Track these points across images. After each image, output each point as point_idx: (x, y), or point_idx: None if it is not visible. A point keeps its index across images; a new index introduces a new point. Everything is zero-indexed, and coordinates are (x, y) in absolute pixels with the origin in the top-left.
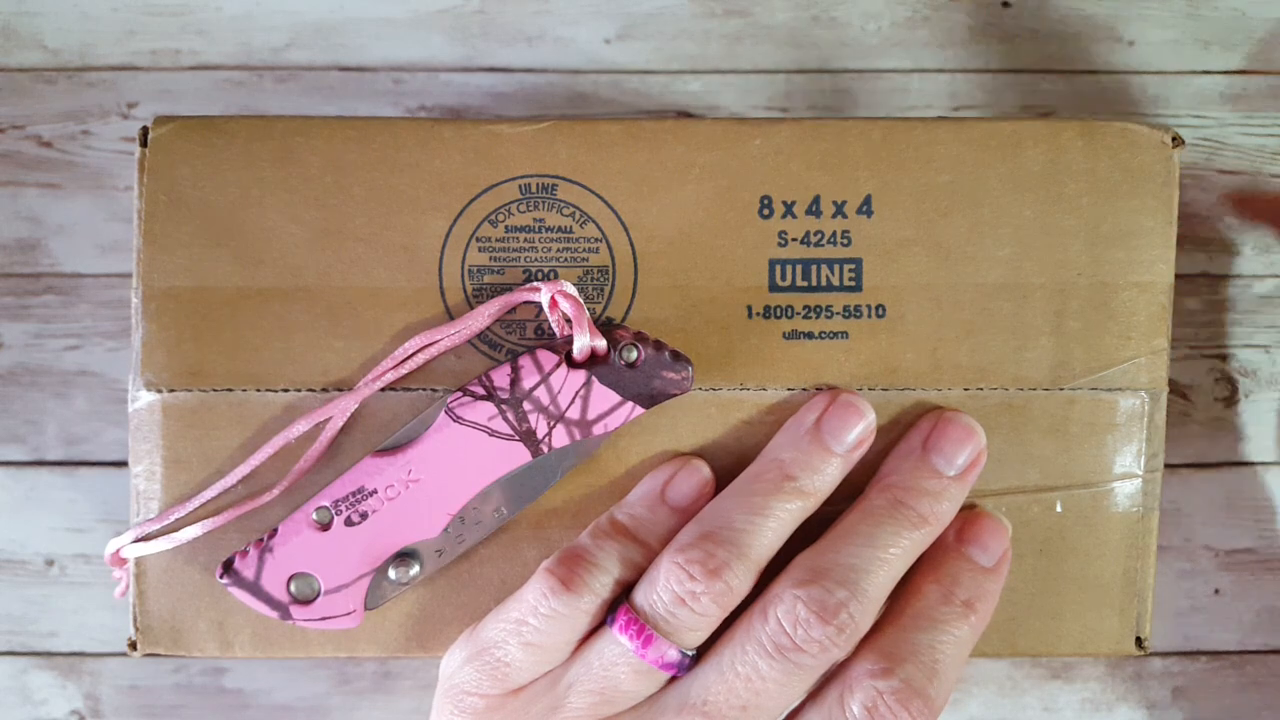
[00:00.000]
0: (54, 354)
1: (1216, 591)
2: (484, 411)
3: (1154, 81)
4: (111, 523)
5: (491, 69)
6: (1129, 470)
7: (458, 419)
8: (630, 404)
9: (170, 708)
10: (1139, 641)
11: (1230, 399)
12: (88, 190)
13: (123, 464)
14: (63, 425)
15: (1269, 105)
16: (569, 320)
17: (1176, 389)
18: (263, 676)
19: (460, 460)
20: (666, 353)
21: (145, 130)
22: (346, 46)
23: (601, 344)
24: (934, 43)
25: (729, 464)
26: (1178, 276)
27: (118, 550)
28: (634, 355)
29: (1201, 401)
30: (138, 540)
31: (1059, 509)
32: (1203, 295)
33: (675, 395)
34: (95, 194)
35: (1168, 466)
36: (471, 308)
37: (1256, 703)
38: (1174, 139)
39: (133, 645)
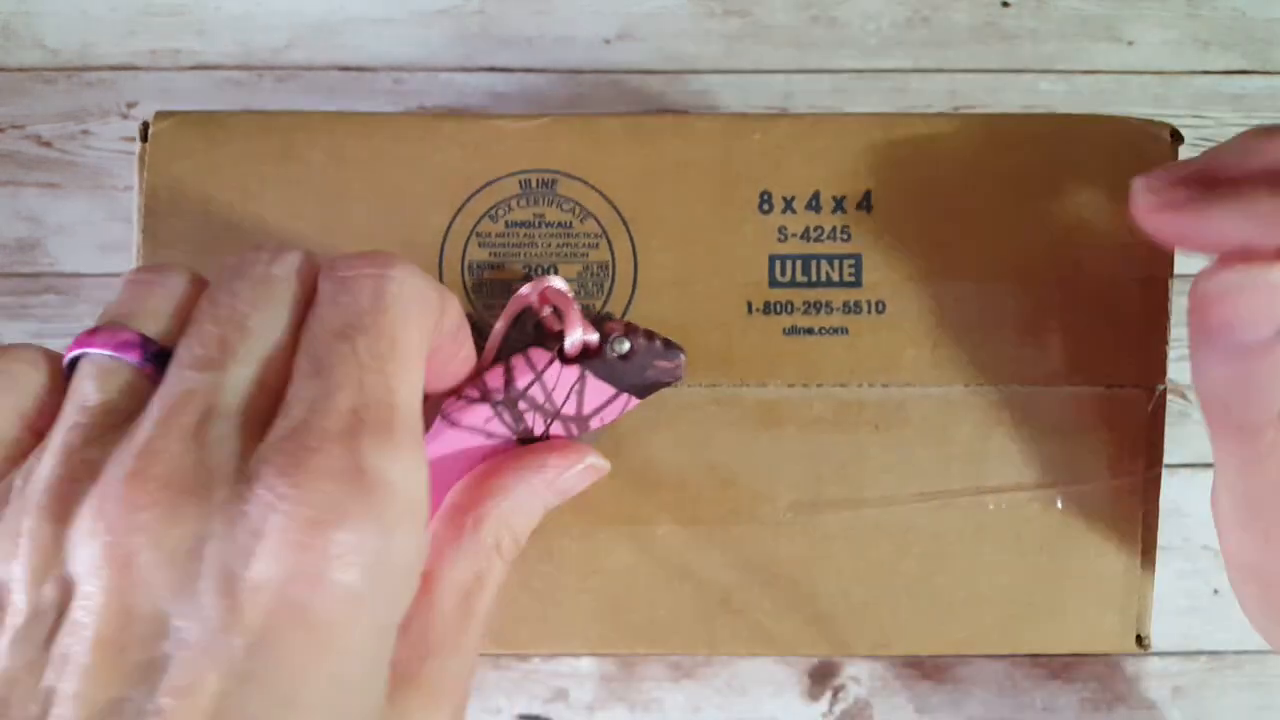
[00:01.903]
0: None
1: (1216, 591)
2: (480, 415)
3: (1154, 81)
4: None
5: (491, 69)
6: (1129, 467)
7: (454, 424)
8: (625, 395)
9: None
10: (1139, 639)
11: None
12: (87, 190)
13: None
14: None
15: (1269, 105)
16: (560, 316)
17: (1176, 389)
18: None
19: (459, 465)
20: (658, 342)
21: (146, 125)
22: (346, 46)
23: (593, 338)
24: (934, 43)
25: (727, 459)
26: (1177, 276)
27: None
28: (625, 347)
29: None
30: None
31: (1059, 506)
32: None
33: (669, 384)
34: (95, 194)
35: (1167, 466)
36: (472, 303)
37: (1256, 703)
38: (1172, 134)
39: None
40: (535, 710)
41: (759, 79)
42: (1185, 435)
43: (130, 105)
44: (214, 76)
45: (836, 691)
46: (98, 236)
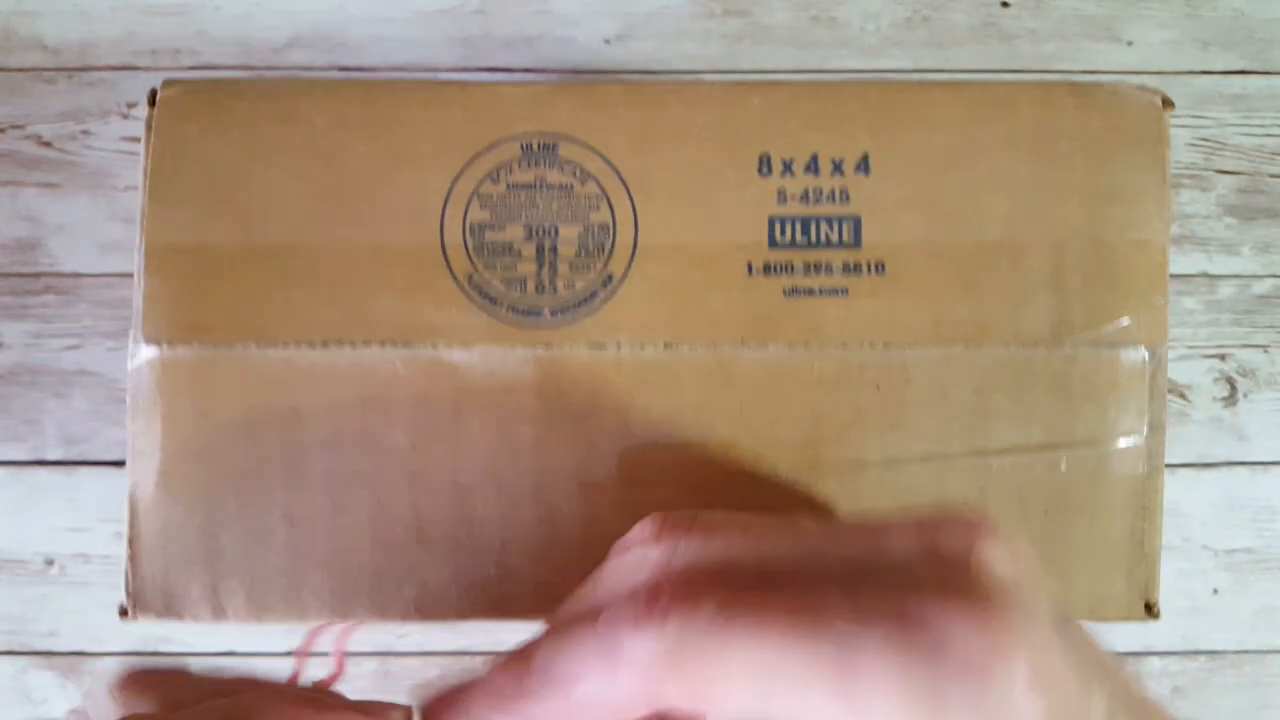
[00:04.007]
0: (54, 354)
1: (1216, 591)
2: None
3: (1154, 81)
4: (111, 522)
5: (491, 69)
6: (1132, 428)
7: None
8: None
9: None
10: (1148, 607)
11: (1229, 399)
12: (87, 190)
13: (122, 464)
14: (62, 425)
15: (1269, 105)
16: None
17: (1176, 389)
18: (262, 675)
19: None
20: None
21: (154, 91)
22: (346, 46)
23: None
24: (934, 43)
25: (730, 420)
26: (1177, 276)
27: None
28: None
29: (1201, 401)
30: None
31: (1063, 468)
32: (1202, 295)
33: None
34: (95, 194)
35: (1168, 466)
36: (473, 264)
37: (1256, 703)
38: (1163, 100)
39: (124, 612)
40: None
41: (759, 79)
42: (1185, 435)
43: (130, 105)
44: (214, 76)
45: None
46: (98, 236)
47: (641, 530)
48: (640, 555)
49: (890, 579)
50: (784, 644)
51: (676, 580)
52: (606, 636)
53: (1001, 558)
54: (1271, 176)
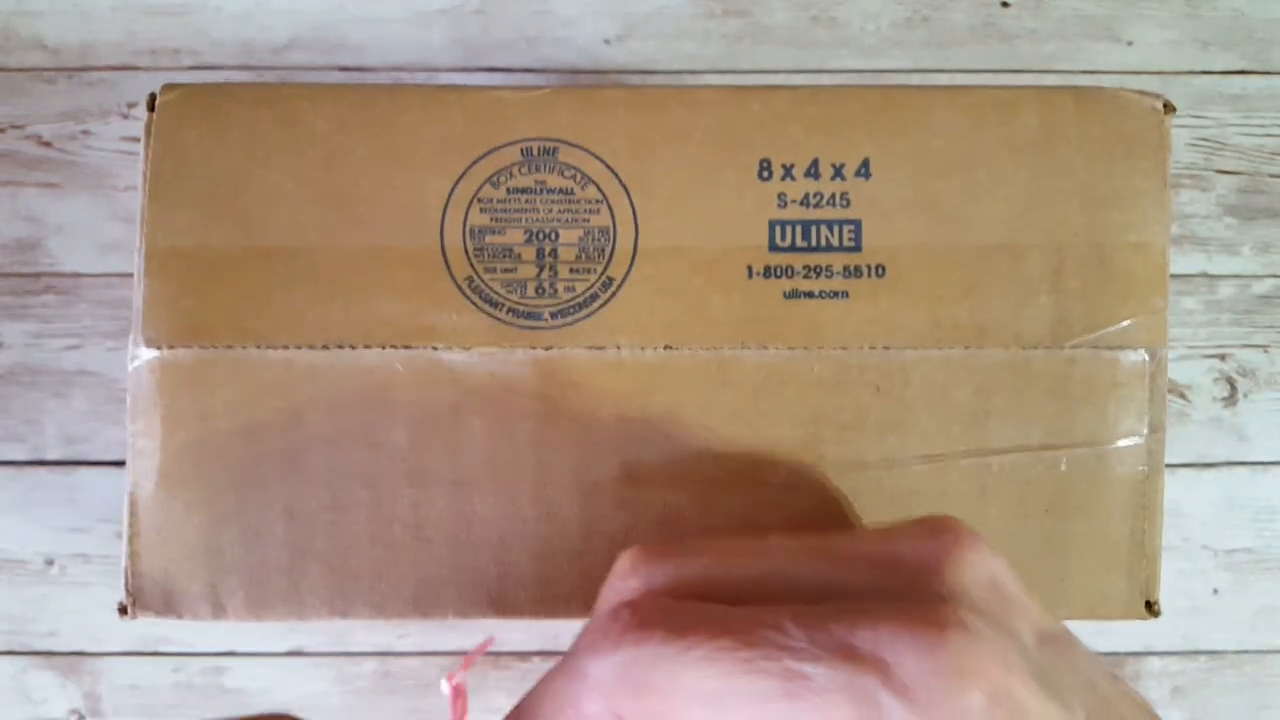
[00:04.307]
0: (54, 354)
1: (1216, 591)
2: None
3: (1154, 81)
4: (111, 522)
5: (491, 69)
6: (1132, 429)
7: None
8: None
9: (170, 707)
10: (1149, 605)
11: (1229, 399)
12: (87, 190)
13: (122, 464)
14: (62, 425)
15: (1268, 105)
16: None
17: (1176, 389)
18: (262, 675)
19: None
20: None
21: (153, 96)
22: (346, 46)
23: None
24: (934, 43)
25: (730, 421)
26: (1177, 276)
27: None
28: None
29: (1201, 401)
30: None
31: (1063, 468)
32: (1202, 295)
33: None
34: (95, 194)
35: (1168, 466)
36: (473, 267)
37: (1256, 703)
38: (1165, 105)
39: (123, 610)
40: None
41: (759, 79)
42: (1185, 435)
43: (130, 105)
44: (214, 77)
45: None
46: (98, 236)
47: (620, 563)
48: (620, 587)
49: (849, 604)
50: (734, 672)
51: (636, 604)
52: (571, 663)
53: (972, 570)
54: (1271, 176)
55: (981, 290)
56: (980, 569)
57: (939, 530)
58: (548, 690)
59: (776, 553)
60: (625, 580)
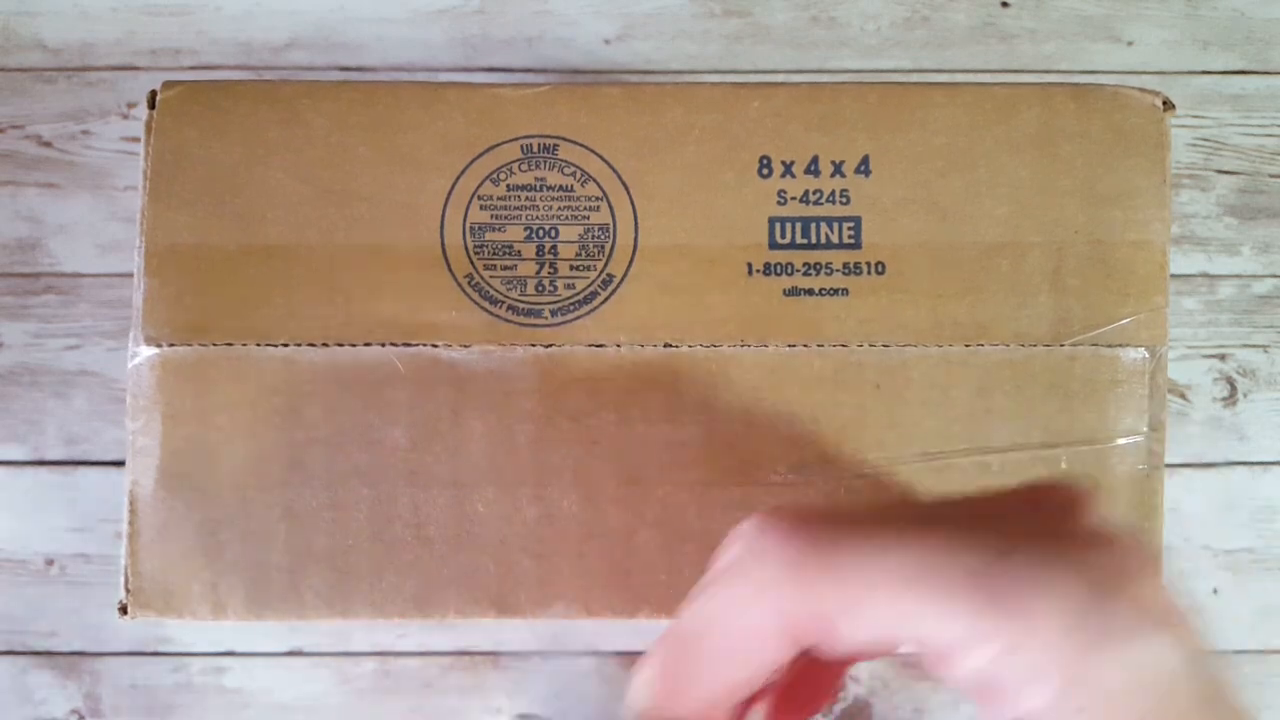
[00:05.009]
0: (54, 354)
1: (1216, 591)
2: None
3: (1153, 81)
4: (111, 522)
5: (491, 69)
6: (1132, 427)
7: None
8: None
9: (170, 707)
10: None
11: (1229, 399)
12: (88, 190)
13: (123, 464)
14: (63, 425)
15: (1268, 105)
16: None
17: (1176, 389)
18: (262, 675)
19: None
20: None
21: (154, 93)
22: (346, 46)
23: None
24: (933, 43)
25: (727, 420)
26: (1177, 276)
27: None
28: None
29: (1201, 401)
30: None
31: (1063, 466)
32: (1202, 295)
33: None
34: (95, 194)
35: (1168, 466)
36: (473, 265)
37: (1256, 703)
38: (1164, 103)
39: (123, 609)
40: (535, 710)
41: (758, 79)
42: (1185, 435)
43: (130, 105)
44: (214, 77)
45: (836, 692)
46: (98, 236)
47: (742, 525)
48: (750, 540)
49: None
50: (930, 550)
51: (792, 510)
52: (726, 579)
53: (1101, 517)
54: (1271, 176)
55: (981, 288)
56: (1102, 513)
57: (1067, 485)
58: (705, 608)
59: (919, 505)
60: (749, 537)
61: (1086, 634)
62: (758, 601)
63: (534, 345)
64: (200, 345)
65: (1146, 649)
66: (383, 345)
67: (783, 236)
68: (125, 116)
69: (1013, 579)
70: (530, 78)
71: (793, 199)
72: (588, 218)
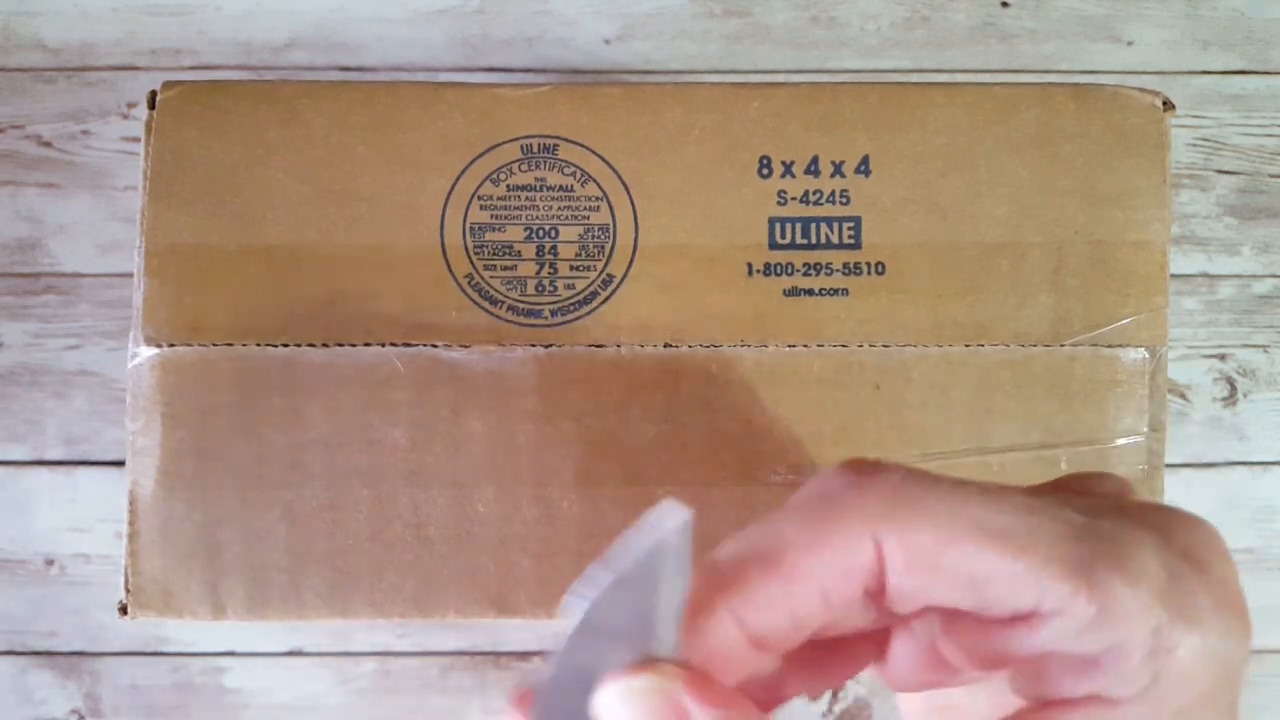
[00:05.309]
0: (54, 354)
1: None
2: None
3: (1153, 81)
4: (111, 522)
5: (491, 69)
6: (1132, 427)
7: None
8: None
9: (170, 707)
10: None
11: (1229, 399)
12: (88, 190)
13: (123, 464)
14: (63, 425)
15: (1268, 105)
16: None
17: (1176, 389)
18: (262, 675)
19: None
20: None
21: (154, 94)
22: (346, 46)
23: None
24: (933, 43)
25: (727, 420)
26: (1177, 276)
27: None
28: None
29: (1201, 401)
30: None
31: (1063, 466)
32: (1202, 295)
33: None
34: (95, 194)
35: (1167, 466)
36: (473, 265)
37: (1256, 703)
38: (1164, 103)
39: (123, 609)
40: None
41: (758, 79)
42: (1185, 435)
43: (130, 105)
44: (214, 77)
45: (836, 691)
46: (98, 236)
47: (829, 468)
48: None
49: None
50: (1023, 509)
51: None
52: (819, 497)
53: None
54: (1271, 176)
55: (981, 288)
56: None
57: (1108, 475)
58: (786, 529)
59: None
60: (849, 469)
61: (1171, 610)
62: (844, 530)
63: (534, 345)
64: (200, 345)
65: (1227, 634)
66: (383, 345)
67: (783, 237)
68: (125, 116)
69: (1105, 546)
70: (530, 78)
71: (793, 199)
72: (588, 218)
